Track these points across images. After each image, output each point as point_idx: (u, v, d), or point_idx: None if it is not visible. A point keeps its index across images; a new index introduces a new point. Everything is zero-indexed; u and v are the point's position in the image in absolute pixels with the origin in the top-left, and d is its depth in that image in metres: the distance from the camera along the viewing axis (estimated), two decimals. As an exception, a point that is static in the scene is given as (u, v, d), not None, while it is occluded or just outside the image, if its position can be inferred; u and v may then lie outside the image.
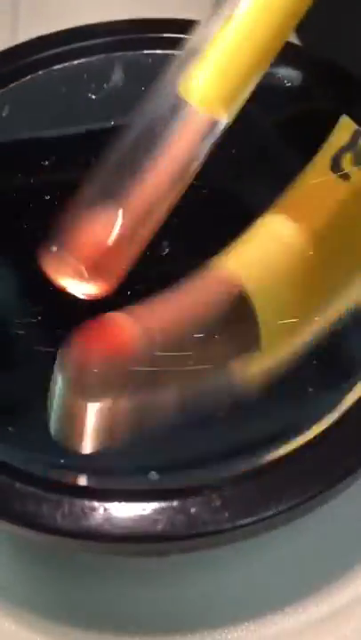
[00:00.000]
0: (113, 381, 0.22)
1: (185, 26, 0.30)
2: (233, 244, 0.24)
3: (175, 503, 0.20)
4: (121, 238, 0.21)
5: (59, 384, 0.22)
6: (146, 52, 0.30)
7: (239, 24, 0.21)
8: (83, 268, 0.21)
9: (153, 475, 0.21)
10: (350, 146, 0.26)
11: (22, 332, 0.24)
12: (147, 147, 0.21)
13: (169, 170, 0.21)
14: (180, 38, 0.30)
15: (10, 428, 0.22)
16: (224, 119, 0.22)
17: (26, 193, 0.27)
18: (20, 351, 0.24)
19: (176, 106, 0.21)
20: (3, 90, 0.29)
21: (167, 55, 0.30)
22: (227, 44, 0.21)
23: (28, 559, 0.25)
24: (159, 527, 0.20)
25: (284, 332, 0.23)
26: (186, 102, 0.21)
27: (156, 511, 0.20)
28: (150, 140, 0.21)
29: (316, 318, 0.23)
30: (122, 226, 0.21)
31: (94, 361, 0.22)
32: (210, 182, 0.26)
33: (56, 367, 0.22)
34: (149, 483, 0.21)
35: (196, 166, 0.22)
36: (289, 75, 0.29)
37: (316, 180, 0.26)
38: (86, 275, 0.21)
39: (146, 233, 0.22)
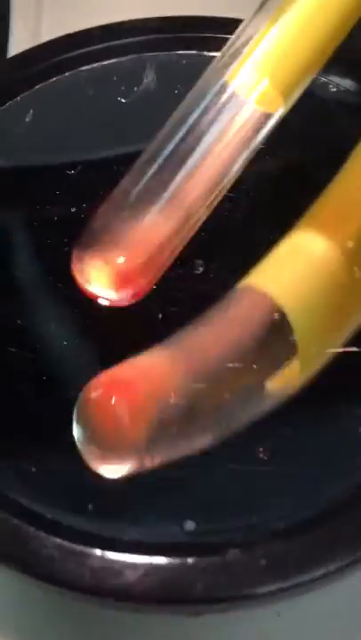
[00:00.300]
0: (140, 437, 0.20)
1: (224, 24, 0.28)
2: (264, 262, 0.22)
3: (215, 560, 0.18)
4: (157, 243, 0.20)
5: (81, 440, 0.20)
6: (180, 52, 0.28)
7: (296, 15, 0.19)
8: (112, 273, 0.20)
9: (190, 524, 0.19)
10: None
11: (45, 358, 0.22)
12: (194, 144, 0.20)
13: (218, 166, 0.20)
14: (219, 38, 0.28)
15: (33, 469, 0.20)
16: (281, 110, 0.20)
17: (50, 202, 0.25)
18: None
19: (227, 100, 0.20)
20: (27, 92, 0.27)
21: (203, 56, 0.28)
22: (283, 35, 0.20)
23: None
24: (197, 588, 0.18)
25: (322, 354, 0.21)
26: (237, 96, 0.20)
27: (193, 569, 0.18)
28: (198, 137, 0.20)
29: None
30: (159, 230, 0.20)
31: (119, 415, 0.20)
32: (246, 198, 0.24)
33: (77, 421, 0.20)
34: (186, 534, 0.19)
35: (246, 161, 0.21)
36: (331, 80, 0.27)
37: (349, 188, 0.24)
38: (115, 280, 0.20)
39: (185, 236, 0.21)
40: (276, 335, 0.21)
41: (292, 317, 0.21)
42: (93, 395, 0.19)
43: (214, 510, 0.19)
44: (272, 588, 0.18)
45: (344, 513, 0.19)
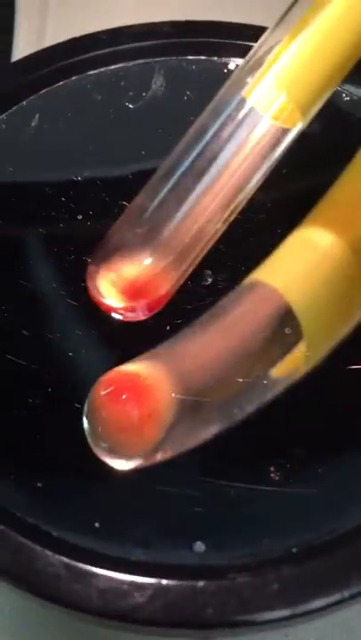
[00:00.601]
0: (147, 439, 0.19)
1: (233, 29, 0.28)
2: (271, 257, 0.22)
3: (226, 583, 0.18)
4: (171, 259, 0.20)
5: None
6: (189, 57, 0.28)
7: (316, 30, 0.19)
8: (125, 288, 0.20)
9: (199, 546, 0.19)
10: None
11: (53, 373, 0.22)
12: (210, 160, 0.20)
13: (235, 182, 0.20)
14: (228, 43, 0.28)
15: (39, 486, 0.20)
16: (299, 125, 0.20)
17: (56, 209, 0.25)
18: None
19: (245, 115, 0.20)
20: (33, 97, 0.27)
21: (212, 62, 0.28)
22: (302, 50, 0.19)
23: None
24: (208, 613, 0.17)
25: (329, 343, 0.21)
26: (255, 111, 0.20)
27: (203, 593, 0.18)
28: (215, 153, 0.20)
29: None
30: (173, 247, 0.20)
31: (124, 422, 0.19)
32: (255, 209, 0.24)
33: (87, 416, 0.20)
34: (195, 556, 0.18)
35: (264, 175, 0.21)
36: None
37: (356, 185, 0.24)
38: (129, 295, 0.20)
39: (200, 252, 0.21)
40: (282, 326, 0.20)
41: (298, 308, 0.21)
42: (104, 391, 0.19)
43: (225, 532, 0.19)
44: (284, 613, 0.17)
45: (357, 538, 0.18)
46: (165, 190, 0.20)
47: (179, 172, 0.20)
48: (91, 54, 0.27)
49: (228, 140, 0.20)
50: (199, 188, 0.20)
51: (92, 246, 0.23)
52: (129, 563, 0.18)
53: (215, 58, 0.27)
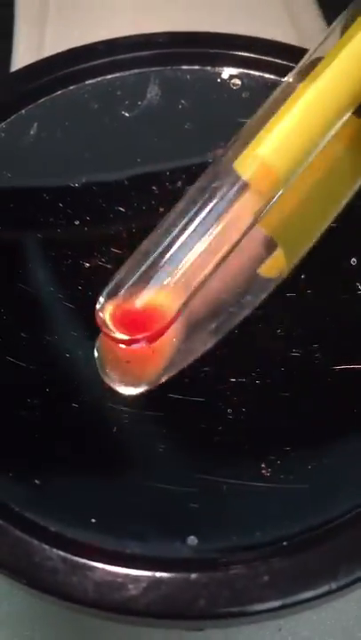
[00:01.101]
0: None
1: (227, 40, 0.29)
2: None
3: (218, 575, 0.18)
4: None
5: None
6: (184, 67, 0.28)
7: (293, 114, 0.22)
8: (128, 324, 0.21)
9: (192, 539, 0.19)
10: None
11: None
12: (203, 222, 0.22)
13: (220, 246, 0.22)
14: (222, 53, 0.28)
15: (37, 482, 0.20)
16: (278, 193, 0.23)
17: (54, 215, 0.25)
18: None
19: (233, 183, 0.22)
20: (31, 106, 0.27)
21: (206, 71, 0.28)
22: (283, 127, 0.22)
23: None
24: (200, 604, 0.18)
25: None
26: (242, 180, 0.22)
27: (196, 584, 0.18)
28: (207, 216, 0.22)
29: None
30: (170, 286, 0.22)
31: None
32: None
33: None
34: (189, 549, 0.19)
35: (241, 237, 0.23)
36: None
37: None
38: (130, 330, 0.21)
39: (195, 289, 0.22)
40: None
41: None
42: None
43: (217, 526, 0.20)
44: (275, 604, 0.18)
45: (346, 531, 0.19)
46: (168, 239, 0.22)
47: (179, 227, 0.22)
48: (88, 64, 0.28)
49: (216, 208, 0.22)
50: (195, 240, 0.22)
51: (89, 250, 0.24)
52: (124, 556, 0.19)
53: (208, 67, 0.28)
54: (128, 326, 0.21)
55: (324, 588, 0.18)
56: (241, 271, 0.24)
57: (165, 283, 0.22)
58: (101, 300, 0.21)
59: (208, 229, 0.22)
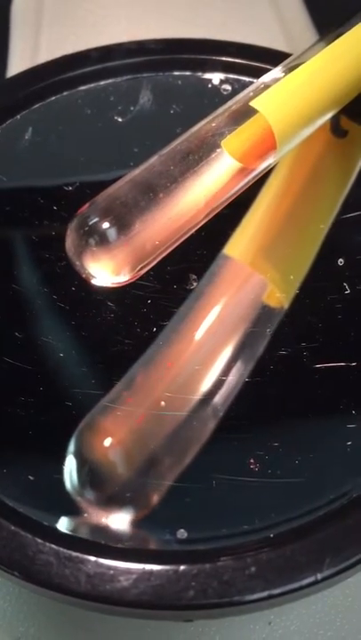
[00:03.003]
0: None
1: (218, 46, 0.29)
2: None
3: (206, 567, 0.19)
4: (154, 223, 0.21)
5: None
6: (175, 73, 0.29)
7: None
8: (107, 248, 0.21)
9: (182, 533, 0.20)
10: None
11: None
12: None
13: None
14: (212, 60, 0.29)
15: (31, 478, 0.21)
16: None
17: (48, 217, 0.26)
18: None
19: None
20: (26, 111, 0.28)
21: (197, 77, 0.29)
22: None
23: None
24: (189, 594, 0.18)
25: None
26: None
27: (185, 576, 0.19)
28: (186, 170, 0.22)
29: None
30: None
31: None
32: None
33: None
34: (178, 542, 0.19)
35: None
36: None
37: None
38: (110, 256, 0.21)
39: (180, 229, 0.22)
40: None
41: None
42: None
43: (206, 519, 0.20)
44: (262, 594, 0.18)
45: (332, 523, 0.19)
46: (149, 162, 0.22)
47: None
48: (82, 70, 0.29)
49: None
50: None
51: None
52: (115, 549, 0.19)
53: (200, 73, 0.29)
54: (106, 261, 0.21)
55: (311, 579, 0.18)
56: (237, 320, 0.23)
57: (144, 210, 0.21)
58: (72, 233, 0.21)
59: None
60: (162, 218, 0.21)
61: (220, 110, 0.23)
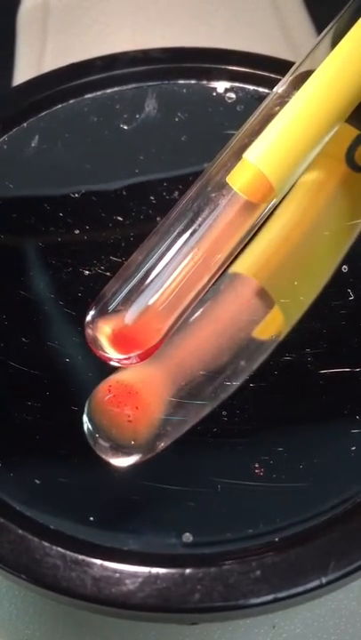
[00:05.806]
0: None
1: (222, 55, 0.30)
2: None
3: (212, 570, 0.19)
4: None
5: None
6: (180, 81, 0.29)
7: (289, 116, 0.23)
8: (118, 342, 0.22)
9: (187, 536, 0.20)
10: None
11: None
12: (194, 229, 0.22)
13: (210, 261, 0.22)
14: (217, 68, 0.29)
15: (38, 482, 0.21)
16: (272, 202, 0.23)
17: (55, 224, 0.26)
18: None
19: (225, 195, 0.23)
20: (33, 119, 0.28)
21: (202, 85, 0.29)
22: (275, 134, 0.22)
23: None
24: (195, 597, 0.18)
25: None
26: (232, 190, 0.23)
27: (190, 579, 0.19)
28: (198, 224, 0.22)
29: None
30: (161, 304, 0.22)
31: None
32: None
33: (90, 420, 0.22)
34: (184, 546, 0.20)
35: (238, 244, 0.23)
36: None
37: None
38: (121, 348, 0.22)
39: (187, 306, 0.23)
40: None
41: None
42: (105, 398, 0.22)
43: (211, 523, 0.20)
44: (266, 597, 0.19)
45: (336, 527, 0.19)
46: (159, 252, 0.22)
47: (169, 240, 0.22)
48: (88, 79, 0.29)
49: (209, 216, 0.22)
50: (185, 253, 0.22)
51: (89, 258, 0.25)
52: (121, 553, 0.20)
53: (204, 82, 0.29)
54: (120, 343, 0.22)
55: (315, 583, 0.19)
56: (235, 333, 0.23)
57: (154, 299, 0.22)
58: (91, 316, 0.22)
59: (197, 243, 0.22)
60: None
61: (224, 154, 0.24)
